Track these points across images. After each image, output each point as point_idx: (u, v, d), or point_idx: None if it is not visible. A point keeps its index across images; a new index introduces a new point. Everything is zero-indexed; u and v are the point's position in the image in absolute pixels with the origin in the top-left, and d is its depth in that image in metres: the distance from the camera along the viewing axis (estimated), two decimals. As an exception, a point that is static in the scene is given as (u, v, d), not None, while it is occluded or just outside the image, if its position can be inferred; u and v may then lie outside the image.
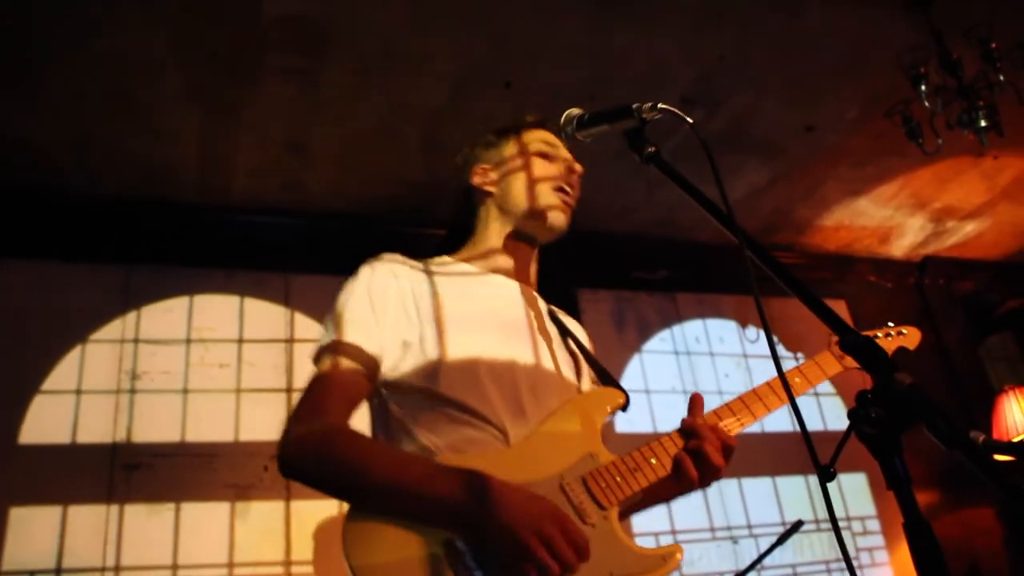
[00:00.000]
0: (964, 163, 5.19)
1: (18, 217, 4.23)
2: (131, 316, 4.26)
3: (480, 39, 3.71)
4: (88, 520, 3.77)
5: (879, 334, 2.10)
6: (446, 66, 3.86)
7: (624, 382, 4.96)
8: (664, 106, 1.35)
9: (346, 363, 1.63)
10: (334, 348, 1.64)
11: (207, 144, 4.14)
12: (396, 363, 1.67)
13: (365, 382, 1.65)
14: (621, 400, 1.77)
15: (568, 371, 1.84)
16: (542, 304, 1.95)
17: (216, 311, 4.42)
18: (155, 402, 4.11)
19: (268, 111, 3.98)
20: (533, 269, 1.99)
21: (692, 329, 5.51)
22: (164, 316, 4.32)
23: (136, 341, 4.21)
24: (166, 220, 4.47)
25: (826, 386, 5.70)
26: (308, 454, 1.55)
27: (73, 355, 4.10)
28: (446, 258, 1.95)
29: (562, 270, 4.98)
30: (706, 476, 1.66)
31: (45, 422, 3.91)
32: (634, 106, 1.38)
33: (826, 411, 5.59)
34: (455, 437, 1.60)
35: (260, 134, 4.13)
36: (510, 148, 1.99)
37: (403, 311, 1.70)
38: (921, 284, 6.30)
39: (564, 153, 1.97)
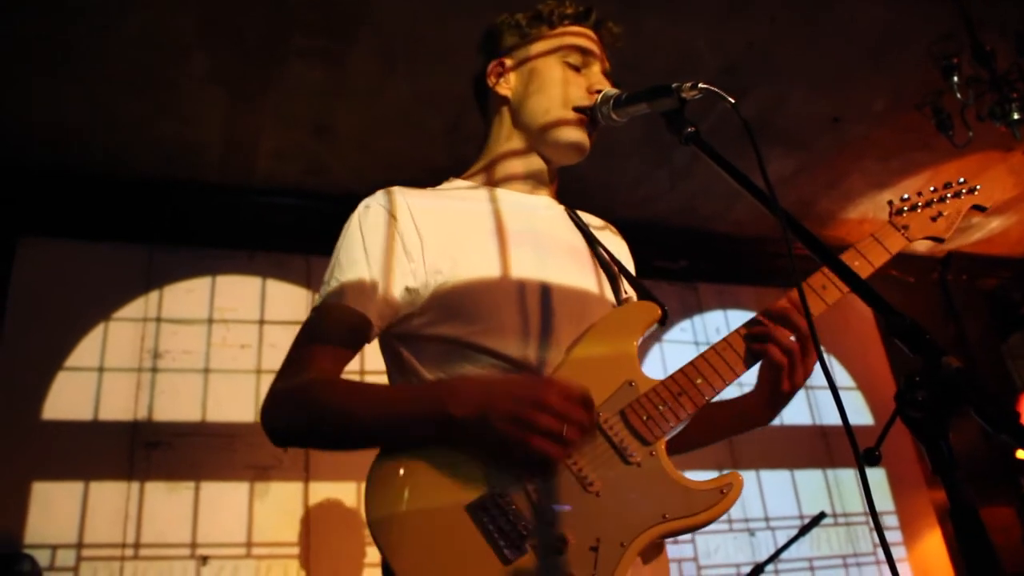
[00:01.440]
0: (992, 158, 5.13)
1: (43, 196, 4.25)
2: (153, 295, 4.28)
3: (507, 24, 3.69)
4: (109, 497, 3.81)
5: (947, 195, 1.76)
6: (471, 53, 3.83)
7: (644, 371, 4.99)
8: (704, 85, 1.30)
9: (333, 325, 1.49)
10: (321, 309, 1.51)
11: (232, 125, 4.15)
12: (401, 313, 1.51)
13: (351, 345, 1.51)
14: (657, 313, 1.56)
15: (601, 286, 1.66)
16: (566, 214, 1.75)
17: (238, 292, 4.43)
18: (176, 381, 4.13)
19: (293, 94, 3.98)
20: (552, 179, 1.75)
21: (713, 319, 5.49)
22: (186, 296, 4.34)
23: (158, 320, 4.23)
24: (189, 200, 4.49)
25: (847, 381, 5.66)
26: (282, 409, 1.44)
27: (96, 333, 4.13)
28: (455, 180, 1.75)
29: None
30: (794, 367, 1.49)
31: (67, 398, 3.94)
32: (674, 86, 1.34)
33: (847, 405, 5.55)
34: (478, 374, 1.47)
35: (284, 116, 4.13)
36: (538, 46, 1.72)
37: (401, 254, 1.51)
38: (944, 280, 6.24)
39: (597, 66, 1.70)
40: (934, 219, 1.72)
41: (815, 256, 1.07)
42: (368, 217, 1.57)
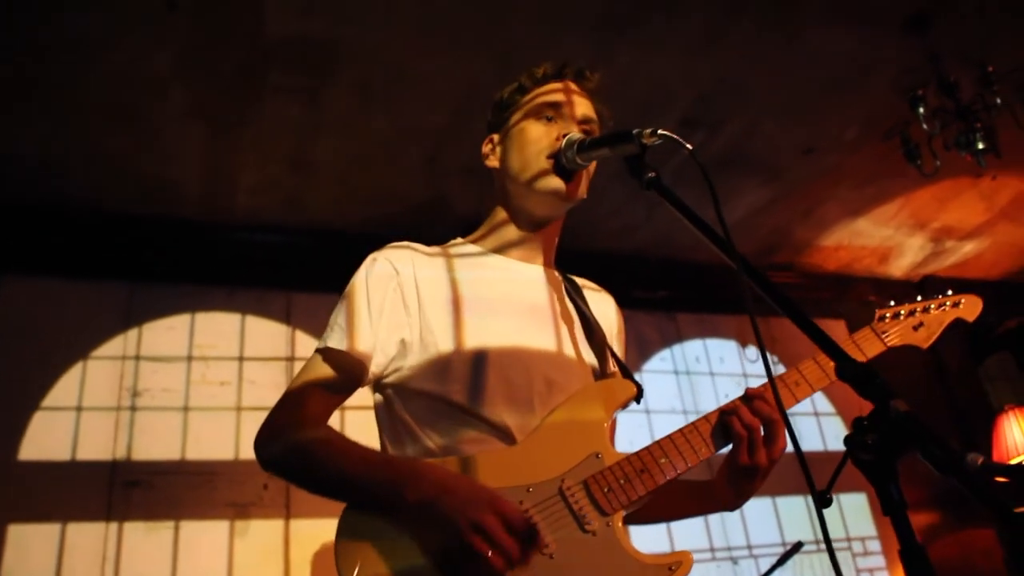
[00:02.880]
0: (963, 183, 5.22)
1: (20, 233, 4.24)
2: (132, 333, 4.27)
3: (483, 60, 3.74)
4: (87, 538, 3.77)
5: (932, 306, 1.85)
6: (448, 87, 3.89)
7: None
8: (664, 132, 1.35)
9: (331, 369, 1.61)
10: (323, 352, 1.63)
11: (210, 161, 4.17)
12: (394, 364, 1.63)
13: (346, 388, 1.64)
14: (632, 392, 1.65)
15: (587, 358, 1.73)
16: (557, 284, 1.82)
17: (217, 328, 4.42)
18: (155, 419, 4.11)
19: (271, 129, 4.01)
20: (548, 247, 1.83)
21: (692, 349, 5.52)
22: (165, 333, 4.33)
23: (137, 358, 4.22)
24: (168, 237, 4.49)
25: (826, 406, 5.70)
26: (279, 455, 1.57)
27: (74, 372, 4.10)
28: (458, 240, 1.85)
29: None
30: (754, 444, 1.59)
31: (45, 439, 3.91)
32: (634, 132, 1.38)
33: (826, 431, 5.59)
34: (458, 437, 1.56)
35: (263, 152, 4.16)
36: (517, 114, 1.80)
37: (400, 307, 1.64)
38: (920, 304, 6.30)
39: (570, 111, 1.75)
40: (916, 328, 1.81)
41: (768, 299, 1.09)
42: (374, 269, 1.67)
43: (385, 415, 1.69)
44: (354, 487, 1.47)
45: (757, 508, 5.07)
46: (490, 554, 1.29)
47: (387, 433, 1.68)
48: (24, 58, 3.42)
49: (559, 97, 1.77)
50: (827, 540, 1.00)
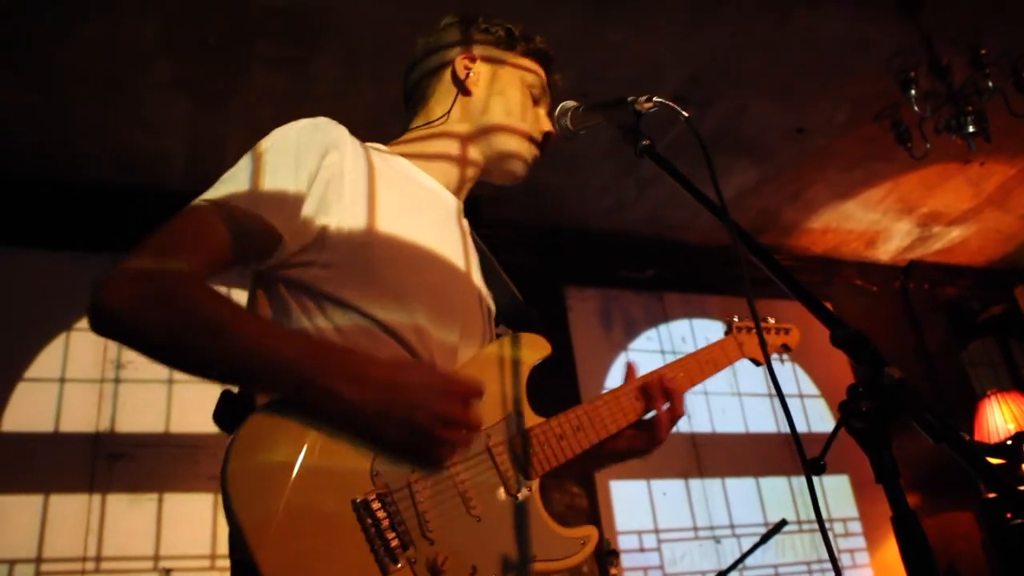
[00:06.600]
0: (951, 169, 5.23)
1: (3, 204, 4.19)
2: (117, 305, 4.22)
3: (473, 34, 3.70)
4: (69, 510, 3.75)
5: (771, 329, 2.09)
6: (438, 60, 3.84)
7: (609, 380, 5.01)
8: (660, 99, 1.33)
9: (229, 231, 1.28)
10: (224, 209, 1.29)
11: (195, 132, 4.12)
12: (306, 255, 1.34)
13: (247, 257, 1.33)
14: (548, 350, 1.57)
15: (488, 303, 1.65)
16: (467, 225, 1.71)
17: (203, 301, 4.38)
18: (139, 392, 4.08)
19: (258, 100, 3.96)
20: (467, 187, 1.71)
21: (678, 329, 5.53)
22: (150, 306, 4.28)
23: (121, 330, 4.17)
24: (153, 208, 4.39)
25: (811, 388, 5.73)
26: (149, 298, 1.17)
27: (57, 343, 4.07)
28: (380, 146, 1.62)
29: (549, 267, 5.01)
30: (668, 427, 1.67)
31: (28, 410, 3.88)
32: (629, 99, 1.36)
33: (811, 412, 5.62)
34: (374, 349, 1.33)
35: (249, 123, 4.11)
36: (511, 57, 1.73)
37: (336, 190, 1.37)
38: (906, 288, 6.34)
39: (544, 107, 1.74)
40: (761, 344, 1.92)
41: (764, 268, 1.08)
42: (315, 134, 1.42)
43: (276, 306, 1.37)
44: (274, 368, 1.18)
45: (740, 488, 5.10)
46: (462, 433, 1.26)
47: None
48: (5, 27, 3.36)
49: (544, 85, 1.77)
50: (816, 508, 0.99)
